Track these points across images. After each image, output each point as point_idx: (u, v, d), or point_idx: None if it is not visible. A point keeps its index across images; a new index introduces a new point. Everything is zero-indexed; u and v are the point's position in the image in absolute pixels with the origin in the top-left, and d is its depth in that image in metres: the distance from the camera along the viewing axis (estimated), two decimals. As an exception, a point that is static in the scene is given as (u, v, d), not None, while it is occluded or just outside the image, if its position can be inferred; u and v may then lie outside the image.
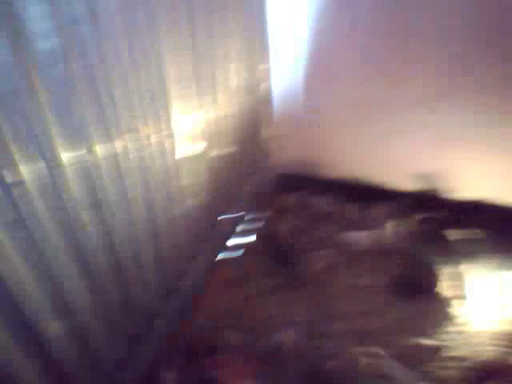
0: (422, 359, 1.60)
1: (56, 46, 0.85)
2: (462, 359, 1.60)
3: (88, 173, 1.02)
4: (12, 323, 0.87)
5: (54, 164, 0.90)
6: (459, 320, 1.74)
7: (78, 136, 0.96)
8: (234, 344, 1.64)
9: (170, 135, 1.33)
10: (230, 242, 1.90)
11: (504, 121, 1.78)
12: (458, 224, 2.04)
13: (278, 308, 1.82)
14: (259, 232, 2.13)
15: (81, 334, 1.11)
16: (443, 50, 1.71)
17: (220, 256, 1.81)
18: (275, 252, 2.02)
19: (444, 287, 1.86)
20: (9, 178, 0.81)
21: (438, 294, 1.84)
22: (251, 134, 1.96)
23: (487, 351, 1.63)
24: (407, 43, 1.74)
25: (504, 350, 1.61)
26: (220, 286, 1.83)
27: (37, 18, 0.82)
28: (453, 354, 1.62)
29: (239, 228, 1.98)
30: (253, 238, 2.08)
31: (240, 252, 1.98)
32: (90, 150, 1.00)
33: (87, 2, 0.90)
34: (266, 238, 2.10)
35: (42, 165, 0.88)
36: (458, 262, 1.92)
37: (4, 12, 0.74)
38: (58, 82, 0.88)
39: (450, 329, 1.71)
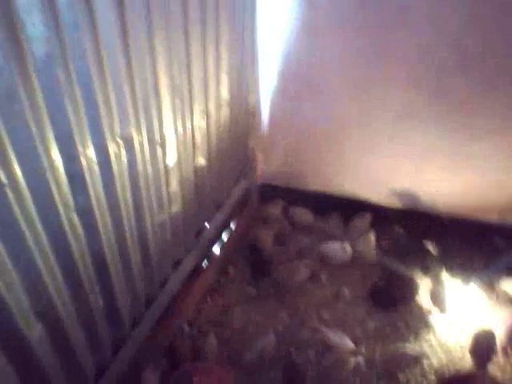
0: (401, 367, 1.64)
1: (54, 51, 0.86)
2: (439, 368, 1.65)
3: (80, 176, 1.02)
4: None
5: (47, 165, 0.91)
6: (437, 330, 1.80)
7: (72, 139, 0.96)
8: (214, 350, 1.65)
9: (162, 143, 1.34)
10: (213, 250, 1.91)
11: (480, 139, 1.87)
12: (436, 237, 2.11)
13: (258, 316, 1.84)
14: (241, 241, 2.15)
15: (63, 338, 1.10)
16: (422, 70, 1.79)
17: (203, 263, 1.82)
18: (256, 261, 2.05)
19: (422, 298, 1.92)
20: (3, 178, 0.81)
21: (416, 304, 1.90)
22: (238, 144, 1.99)
23: (464, 361, 1.69)
24: (388, 63, 1.82)
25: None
26: (201, 293, 1.84)
27: (35, 24, 0.83)
28: (431, 363, 1.68)
29: (222, 236, 2.00)
30: (235, 246, 2.10)
31: (222, 260, 2.00)
32: (83, 154, 1.00)
33: (85, 10, 0.92)
34: (248, 247, 2.13)
35: (35, 166, 0.88)
36: (436, 274, 1.99)
37: (5, 17, 0.75)
38: (54, 86, 0.88)
39: (429, 338, 1.77)
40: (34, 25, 0.81)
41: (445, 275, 1.98)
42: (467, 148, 1.90)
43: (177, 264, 1.67)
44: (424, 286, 1.96)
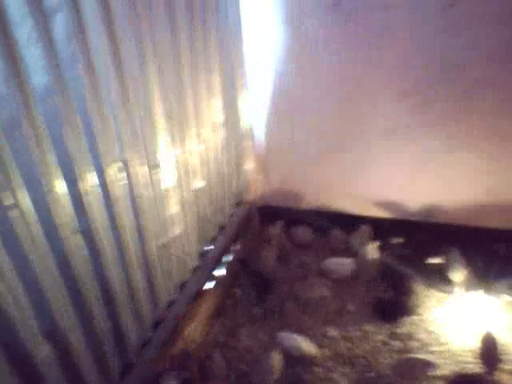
0: (411, 376, 1.63)
1: (54, 80, 0.93)
2: (449, 376, 1.64)
3: (79, 200, 1.07)
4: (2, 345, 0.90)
5: (48, 190, 0.96)
6: (443, 339, 1.79)
7: (71, 164, 1.02)
8: (222, 371, 1.65)
9: (157, 166, 1.39)
10: (216, 272, 1.94)
11: (466, 147, 1.92)
12: (435, 247, 2.13)
13: (264, 336, 1.84)
14: (243, 262, 2.17)
15: (71, 360, 1.12)
16: (407, 84, 1.87)
17: (206, 285, 1.84)
18: (259, 281, 2.06)
19: (426, 308, 1.92)
20: (6, 201, 0.86)
21: (420, 314, 1.90)
22: (235, 166, 2.04)
23: (472, 368, 1.68)
24: (375, 79, 1.90)
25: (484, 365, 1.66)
26: (207, 315, 1.84)
27: (34, 57, 0.90)
28: (441, 372, 1.66)
29: (224, 258, 2.02)
30: (237, 268, 2.12)
31: (227, 281, 2.01)
32: (84, 178, 1.06)
33: (80, 42, 0.99)
34: (250, 267, 2.15)
35: (37, 190, 0.93)
36: (438, 284, 2.00)
37: (6, 51, 0.82)
38: (53, 113, 0.95)
39: (436, 348, 1.76)
40: (33, 57, 0.88)
41: (446, 284, 1.99)
42: (455, 156, 1.95)
43: (182, 286, 1.70)
44: (427, 295, 1.97)
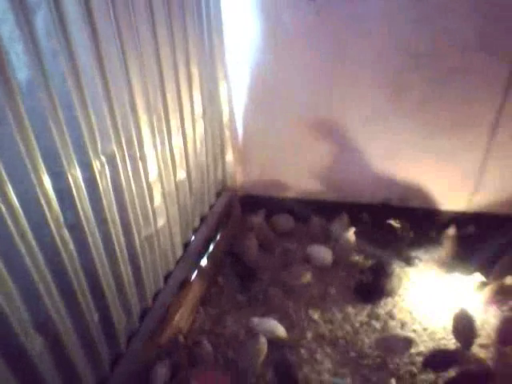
0: (391, 352, 1.70)
1: (37, 76, 0.93)
2: (426, 353, 1.72)
3: (67, 193, 1.08)
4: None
5: (36, 184, 0.97)
6: (421, 318, 1.88)
7: (57, 158, 1.03)
8: (210, 357, 1.69)
9: (143, 158, 1.41)
10: (200, 262, 1.97)
11: (439, 134, 2.00)
12: (412, 230, 2.21)
13: (249, 321, 1.89)
14: (226, 252, 2.21)
15: (63, 352, 1.13)
16: (382, 73, 1.93)
17: (191, 275, 1.87)
18: (243, 269, 2.11)
19: (404, 289, 2.01)
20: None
21: (398, 295, 1.98)
22: (216, 157, 2.07)
23: (448, 344, 1.77)
24: (352, 70, 1.96)
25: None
26: (193, 304, 1.88)
27: (18, 53, 0.90)
28: (419, 349, 1.75)
29: (207, 248, 2.05)
30: (222, 257, 2.16)
31: (211, 270, 2.05)
32: (69, 171, 1.07)
33: (62, 38, 1.00)
34: (234, 256, 2.19)
35: (26, 184, 0.94)
36: (416, 265, 2.09)
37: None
38: (39, 108, 0.95)
39: (414, 327, 1.85)
40: (17, 54, 0.88)
41: (424, 266, 2.08)
42: (430, 142, 2.03)
43: (167, 277, 1.72)
44: (405, 277, 2.05)
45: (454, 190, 2.16)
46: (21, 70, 0.91)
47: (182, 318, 1.78)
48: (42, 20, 0.92)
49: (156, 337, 1.60)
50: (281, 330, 1.78)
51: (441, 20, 1.75)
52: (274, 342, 1.74)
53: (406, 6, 1.76)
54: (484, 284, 1.95)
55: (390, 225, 2.20)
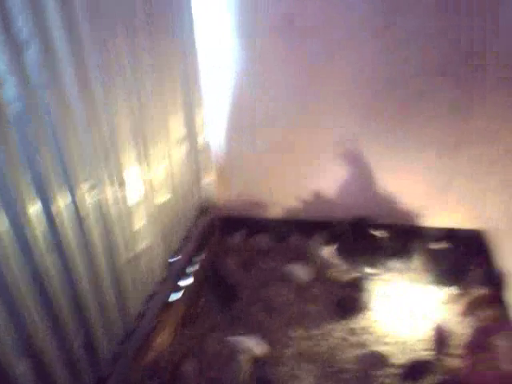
0: (370, 369, 1.76)
1: (24, 108, 0.99)
2: (404, 364, 1.79)
3: (51, 218, 1.12)
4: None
5: (23, 209, 1.01)
6: (396, 331, 1.95)
7: (44, 185, 1.07)
8: (193, 377, 1.71)
9: (122, 184, 1.46)
10: (182, 283, 2.00)
11: (411, 152, 2.13)
12: (389, 245, 2.30)
13: (231, 340, 1.92)
14: (207, 272, 2.25)
15: (47, 374, 1.15)
16: (357, 94, 2.06)
17: (173, 296, 1.90)
18: (224, 289, 2.15)
19: (381, 303, 2.08)
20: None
21: (375, 309, 2.05)
22: (196, 179, 2.12)
23: (424, 355, 1.83)
24: (327, 90, 2.07)
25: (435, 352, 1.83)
26: (175, 324, 1.90)
27: (9, 86, 0.95)
28: (396, 361, 1.81)
29: (189, 269, 2.09)
30: (203, 277, 2.20)
31: (193, 291, 2.08)
32: (54, 198, 1.11)
33: (49, 72, 1.06)
34: (215, 276, 2.23)
35: (13, 210, 0.98)
36: (392, 279, 2.18)
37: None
38: (26, 138, 1.00)
39: (389, 340, 1.91)
40: (8, 84, 0.94)
41: (400, 280, 2.17)
42: (402, 162, 2.15)
43: (151, 298, 1.75)
44: (382, 291, 2.13)
45: (427, 206, 2.27)
46: (11, 101, 0.96)
47: (164, 339, 1.80)
48: (32, 55, 0.98)
49: (139, 359, 1.62)
50: (260, 348, 1.82)
51: (405, 48, 1.90)
52: (255, 360, 1.78)
53: (374, 36, 1.89)
54: (458, 296, 2.03)
55: (373, 235, 2.27)
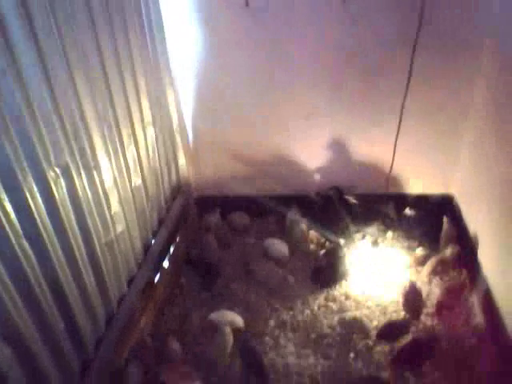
0: (350, 334, 1.83)
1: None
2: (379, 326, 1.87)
3: (24, 205, 1.11)
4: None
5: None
6: (372, 295, 2.02)
7: (12, 172, 1.06)
8: (178, 355, 1.75)
9: (96, 167, 1.45)
10: (161, 264, 2.02)
11: (378, 120, 2.18)
12: (362, 213, 2.37)
13: (214, 315, 1.96)
14: (186, 251, 2.27)
15: (31, 361, 1.16)
16: (318, 72, 2.08)
17: (153, 277, 1.92)
18: (204, 267, 2.18)
19: (356, 269, 2.15)
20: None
21: (351, 276, 2.13)
22: (169, 161, 2.12)
23: (399, 316, 1.92)
24: (290, 69, 2.09)
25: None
26: (158, 305, 1.93)
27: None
28: (374, 323, 1.89)
29: (169, 249, 2.10)
30: (183, 257, 2.22)
31: (173, 271, 2.10)
32: (25, 185, 1.10)
33: (10, 58, 1.04)
34: (194, 256, 2.26)
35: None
36: (366, 246, 2.25)
37: None
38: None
39: (368, 304, 1.99)
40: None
41: (373, 247, 2.25)
42: (372, 131, 2.22)
43: (130, 281, 1.76)
44: (356, 259, 2.20)
45: (398, 173, 2.35)
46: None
47: (147, 320, 1.83)
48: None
49: (123, 340, 1.64)
50: (239, 320, 1.87)
51: (363, 21, 1.93)
52: (238, 332, 1.83)
53: (333, 10, 1.91)
54: (430, 258, 2.12)
55: (346, 200, 2.33)
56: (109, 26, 1.49)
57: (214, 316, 1.90)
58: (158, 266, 1.98)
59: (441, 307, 1.93)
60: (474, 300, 1.92)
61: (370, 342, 1.80)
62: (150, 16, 1.81)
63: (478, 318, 1.84)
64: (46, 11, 1.15)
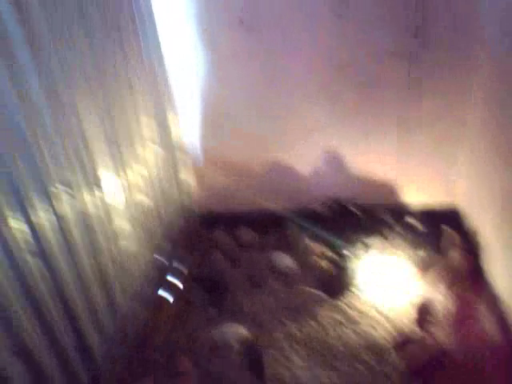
0: (358, 347, 1.83)
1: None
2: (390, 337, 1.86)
3: (31, 223, 1.16)
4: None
5: (1, 218, 1.04)
6: (378, 305, 2.02)
7: (18, 192, 1.10)
8: (188, 371, 1.75)
9: (98, 186, 1.49)
10: (169, 280, 2.04)
11: (369, 135, 2.23)
12: (367, 224, 2.38)
13: (221, 332, 1.97)
14: (193, 268, 2.29)
15: (41, 377, 1.19)
16: (313, 83, 2.15)
17: (161, 294, 1.94)
18: (211, 283, 2.20)
19: (363, 280, 2.16)
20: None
21: (357, 286, 2.13)
22: (172, 178, 2.16)
23: (409, 327, 1.91)
24: (286, 83, 2.16)
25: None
26: (167, 322, 1.94)
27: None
28: (381, 334, 1.88)
29: (174, 265, 2.13)
30: (190, 273, 2.24)
31: (179, 288, 2.12)
32: (30, 204, 1.14)
33: (12, 75, 1.10)
34: (201, 271, 2.28)
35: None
36: (372, 256, 2.26)
37: None
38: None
39: (374, 315, 1.98)
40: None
41: (380, 258, 2.26)
42: (371, 143, 2.25)
43: (139, 297, 1.79)
44: (364, 270, 2.21)
45: (399, 184, 2.37)
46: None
47: (156, 336, 1.84)
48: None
49: (133, 357, 1.65)
50: (246, 333, 1.89)
51: (356, 35, 1.99)
52: (246, 346, 1.84)
53: (327, 25, 1.98)
54: (431, 266, 2.12)
55: (349, 211, 2.34)
56: (107, 46, 1.55)
57: (224, 329, 1.90)
58: (165, 283, 2.00)
59: (451, 318, 1.92)
60: (483, 309, 1.90)
61: (379, 354, 1.80)
62: (146, 35, 1.88)
63: (488, 327, 1.83)
64: (48, 35, 1.22)
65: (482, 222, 2.00)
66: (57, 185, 1.26)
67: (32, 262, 1.15)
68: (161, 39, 2.01)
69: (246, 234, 2.49)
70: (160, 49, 2.01)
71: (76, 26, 1.36)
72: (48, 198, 1.23)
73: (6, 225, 1.06)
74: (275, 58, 2.08)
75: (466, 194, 2.23)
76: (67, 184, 1.31)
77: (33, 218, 1.16)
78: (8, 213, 1.06)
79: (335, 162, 2.32)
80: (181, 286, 2.12)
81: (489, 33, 1.85)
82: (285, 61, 2.08)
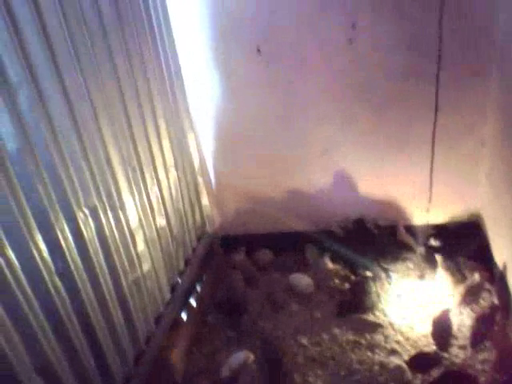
0: (379, 370, 1.80)
1: (23, 144, 1.08)
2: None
3: (56, 244, 1.20)
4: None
5: (29, 238, 1.09)
6: (402, 328, 1.98)
7: (46, 214, 1.16)
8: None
9: (122, 208, 1.54)
10: (189, 303, 2.05)
11: (384, 157, 2.24)
12: (386, 244, 2.36)
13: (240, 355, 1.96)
14: (213, 290, 2.30)
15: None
16: (331, 108, 2.17)
17: (182, 316, 1.95)
18: (230, 305, 2.20)
19: (384, 302, 2.12)
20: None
21: (379, 309, 2.09)
22: (192, 202, 2.20)
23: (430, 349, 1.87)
24: (302, 107, 2.19)
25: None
26: (186, 344, 1.95)
27: (4, 123, 1.05)
28: (404, 358, 1.84)
29: (195, 288, 2.14)
30: (209, 296, 2.25)
31: (200, 310, 2.13)
32: (57, 225, 1.19)
33: (42, 110, 1.16)
34: (220, 294, 2.28)
35: (20, 240, 1.06)
36: (390, 277, 2.23)
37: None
38: (26, 173, 1.10)
39: (397, 338, 1.95)
40: (3, 124, 1.03)
41: (397, 277, 2.22)
42: (384, 163, 2.25)
43: (158, 319, 1.80)
44: (382, 290, 2.18)
45: (418, 204, 2.35)
46: (8, 139, 1.05)
47: (176, 359, 1.85)
48: (24, 96, 1.08)
49: (152, 379, 1.66)
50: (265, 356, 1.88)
51: (369, 59, 2.03)
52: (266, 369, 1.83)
53: (340, 52, 2.03)
54: (458, 287, 2.08)
55: (370, 232, 2.33)
56: (131, 74, 1.63)
57: (242, 354, 1.90)
58: (184, 305, 2.02)
59: (475, 338, 1.87)
60: (509, 327, 1.85)
61: (401, 378, 1.75)
62: (168, 63, 1.95)
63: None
64: (73, 63, 1.28)
65: (506, 237, 1.96)
66: (83, 208, 1.31)
67: (55, 282, 1.19)
68: (181, 67, 2.08)
69: (265, 256, 2.50)
70: (181, 74, 2.08)
71: (100, 52, 1.43)
72: (74, 220, 1.27)
73: (34, 246, 1.10)
74: (291, 84, 2.13)
75: (489, 211, 2.19)
76: (92, 208, 1.36)
77: (58, 239, 1.20)
78: (36, 235, 1.11)
79: (352, 182, 2.33)
80: (200, 308, 2.13)
81: (505, 53, 1.86)
82: (299, 86, 2.12)
